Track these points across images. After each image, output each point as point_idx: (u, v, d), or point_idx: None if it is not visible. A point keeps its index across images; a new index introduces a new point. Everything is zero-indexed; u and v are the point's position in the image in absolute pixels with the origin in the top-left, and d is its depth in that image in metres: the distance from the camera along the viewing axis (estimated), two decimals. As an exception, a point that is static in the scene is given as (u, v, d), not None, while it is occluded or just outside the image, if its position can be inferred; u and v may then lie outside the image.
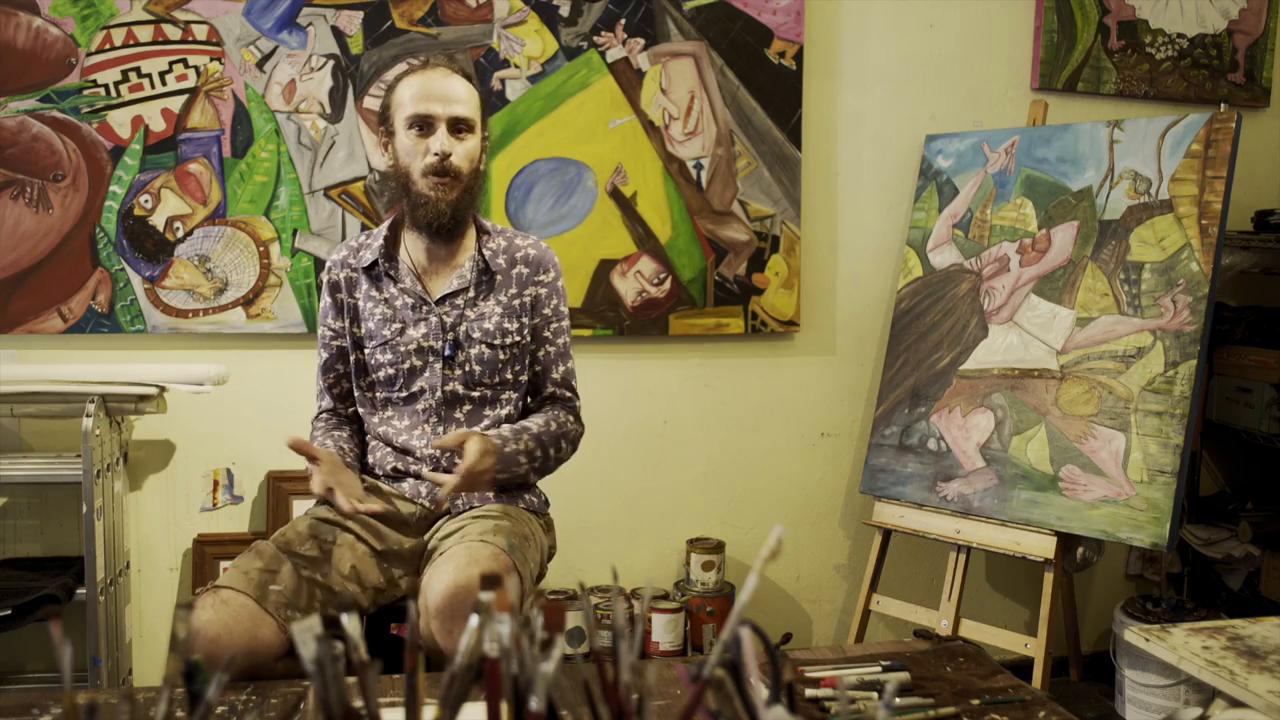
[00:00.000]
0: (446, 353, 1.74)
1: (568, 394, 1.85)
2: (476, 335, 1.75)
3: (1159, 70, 2.87)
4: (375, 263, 1.78)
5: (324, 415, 1.86)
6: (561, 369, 1.84)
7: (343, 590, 1.57)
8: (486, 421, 1.77)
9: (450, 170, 1.69)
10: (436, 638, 1.44)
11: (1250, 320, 2.84)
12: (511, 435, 1.70)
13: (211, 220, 2.36)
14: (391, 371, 1.76)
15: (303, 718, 1.23)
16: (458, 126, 1.71)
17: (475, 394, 1.77)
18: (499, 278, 1.79)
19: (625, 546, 2.67)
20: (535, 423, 1.76)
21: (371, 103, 2.40)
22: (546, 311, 1.83)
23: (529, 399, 1.86)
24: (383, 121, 1.77)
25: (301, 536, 1.61)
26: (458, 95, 1.71)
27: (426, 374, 1.75)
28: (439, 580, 1.45)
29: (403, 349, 1.74)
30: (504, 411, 1.78)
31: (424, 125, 1.70)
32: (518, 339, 1.78)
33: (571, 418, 1.83)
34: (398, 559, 1.67)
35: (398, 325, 1.75)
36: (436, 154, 1.68)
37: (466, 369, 1.75)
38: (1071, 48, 2.79)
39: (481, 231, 1.82)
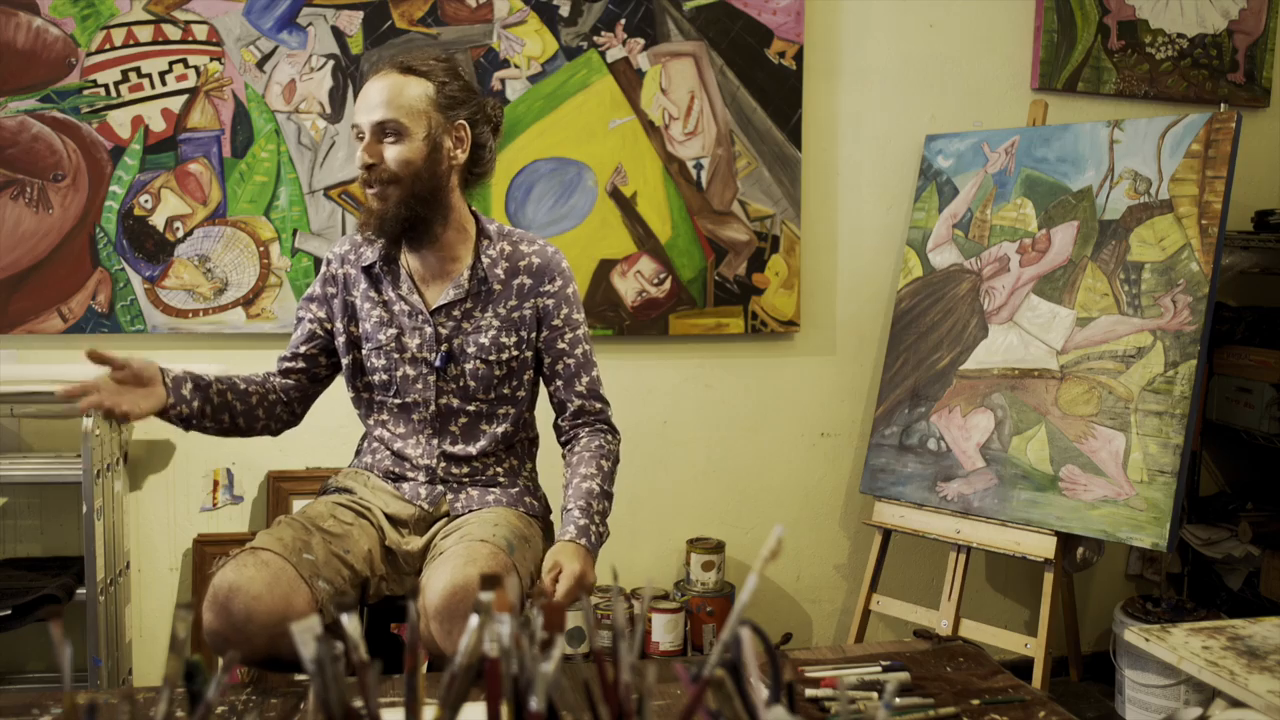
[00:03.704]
0: (438, 364, 1.69)
1: (597, 405, 1.77)
2: (471, 350, 1.69)
3: (1159, 70, 2.87)
4: (374, 264, 1.72)
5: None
6: (585, 379, 1.75)
7: (362, 570, 1.59)
8: (484, 440, 1.73)
9: (383, 176, 1.61)
10: (436, 639, 1.44)
11: (1250, 320, 2.84)
12: (587, 518, 1.63)
13: (211, 220, 2.36)
14: (385, 377, 1.72)
15: (303, 718, 1.23)
16: (383, 131, 1.62)
17: (471, 408, 1.72)
18: (497, 288, 1.71)
19: (625, 546, 2.67)
20: (589, 474, 1.68)
21: (371, 103, 2.40)
22: (557, 323, 1.73)
23: (558, 416, 1.79)
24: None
25: (323, 515, 1.62)
26: (379, 99, 1.61)
27: (419, 385, 1.70)
28: (437, 580, 1.45)
29: (396, 356, 1.70)
30: (501, 429, 1.73)
31: (361, 136, 1.64)
32: (516, 354, 1.71)
33: (609, 435, 1.77)
34: (401, 557, 1.67)
35: (393, 331, 1.70)
36: (360, 166, 1.63)
37: (461, 383, 1.70)
38: (1071, 48, 2.79)
39: (483, 236, 1.73)
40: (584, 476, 1.68)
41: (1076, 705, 2.68)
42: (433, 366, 1.70)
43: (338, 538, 1.58)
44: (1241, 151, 2.69)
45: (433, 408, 1.71)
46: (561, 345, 1.74)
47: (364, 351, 1.74)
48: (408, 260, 1.72)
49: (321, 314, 1.76)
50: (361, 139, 1.63)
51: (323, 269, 1.78)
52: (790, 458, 2.77)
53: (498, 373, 1.71)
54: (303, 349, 1.77)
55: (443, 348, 1.69)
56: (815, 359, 2.76)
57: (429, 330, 1.69)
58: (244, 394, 1.71)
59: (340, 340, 1.75)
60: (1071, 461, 2.26)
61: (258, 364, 2.39)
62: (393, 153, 1.62)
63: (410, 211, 1.64)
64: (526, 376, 1.76)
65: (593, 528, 1.62)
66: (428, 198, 1.64)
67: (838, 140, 2.72)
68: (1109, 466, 2.21)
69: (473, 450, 1.73)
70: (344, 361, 1.76)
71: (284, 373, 1.78)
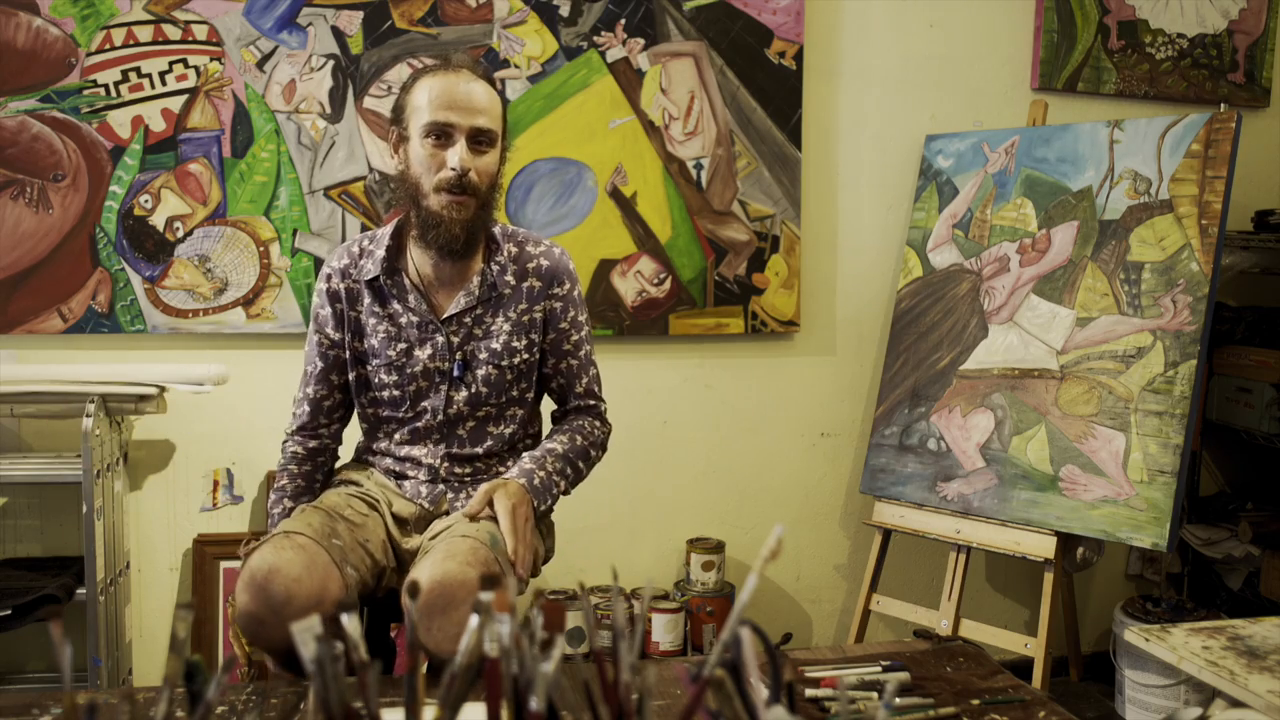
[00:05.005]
0: (456, 374, 1.68)
1: (591, 401, 1.80)
2: (483, 355, 1.69)
3: (1159, 70, 2.87)
4: (377, 277, 1.69)
5: (297, 438, 1.76)
6: (585, 379, 1.78)
7: (380, 559, 1.61)
8: (490, 441, 1.73)
9: (467, 187, 1.58)
10: (418, 633, 1.44)
11: (1250, 320, 2.84)
12: (536, 465, 1.64)
13: (211, 220, 2.36)
14: (397, 394, 1.69)
15: (303, 718, 1.23)
16: (478, 139, 1.59)
17: (480, 413, 1.72)
18: (507, 293, 1.70)
19: (625, 546, 2.67)
20: (559, 442, 1.70)
21: (372, 103, 2.40)
22: (564, 325, 1.74)
23: (555, 409, 1.82)
24: (395, 121, 1.64)
25: (341, 505, 1.63)
26: (480, 104, 1.58)
27: (432, 395, 1.70)
28: (417, 576, 1.46)
29: (409, 371, 1.68)
30: (508, 429, 1.74)
31: (442, 135, 1.57)
32: (526, 357, 1.71)
33: (597, 422, 1.79)
34: (402, 554, 1.68)
35: (403, 345, 1.68)
36: (454, 169, 1.56)
37: (473, 389, 1.69)
38: (1071, 48, 2.79)
39: (490, 240, 1.71)
40: (552, 440, 1.73)
41: (1076, 705, 2.68)
42: (446, 375, 1.69)
43: (358, 527, 1.60)
44: (1241, 151, 2.69)
45: (441, 416, 1.71)
46: (566, 347, 1.76)
47: (369, 367, 1.72)
48: (415, 269, 1.70)
49: (336, 336, 1.73)
50: (445, 139, 1.58)
51: (321, 285, 1.74)
52: (790, 458, 2.77)
53: (509, 377, 1.71)
54: (335, 379, 1.77)
55: (457, 356, 1.69)
56: (815, 359, 2.76)
57: (440, 339, 1.68)
58: (322, 465, 1.80)
59: (345, 355, 1.74)
60: (1071, 461, 2.26)
61: (257, 364, 2.41)
62: (483, 162, 1.61)
63: (479, 223, 1.64)
64: (534, 377, 1.77)
65: (539, 473, 1.64)
66: (489, 210, 1.66)
67: (838, 140, 2.72)
68: (1109, 466, 2.21)
69: (479, 451, 1.73)
70: (349, 376, 1.74)
71: (326, 411, 1.77)
